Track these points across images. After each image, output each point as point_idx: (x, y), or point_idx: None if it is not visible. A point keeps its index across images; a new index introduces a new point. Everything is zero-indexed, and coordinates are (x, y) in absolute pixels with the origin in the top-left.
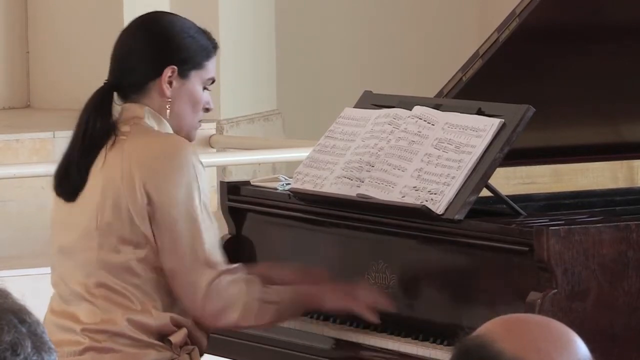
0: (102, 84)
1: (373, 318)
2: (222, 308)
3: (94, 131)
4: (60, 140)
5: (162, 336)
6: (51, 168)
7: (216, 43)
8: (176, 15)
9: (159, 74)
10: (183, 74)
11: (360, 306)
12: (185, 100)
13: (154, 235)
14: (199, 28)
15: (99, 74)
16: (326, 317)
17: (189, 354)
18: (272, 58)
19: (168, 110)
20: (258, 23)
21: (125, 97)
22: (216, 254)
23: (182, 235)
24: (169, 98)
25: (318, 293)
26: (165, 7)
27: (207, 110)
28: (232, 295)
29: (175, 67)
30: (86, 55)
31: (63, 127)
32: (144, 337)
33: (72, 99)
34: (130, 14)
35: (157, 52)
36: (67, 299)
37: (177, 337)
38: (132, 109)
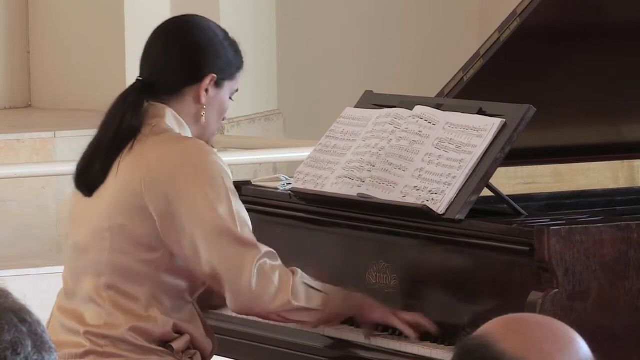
0: (135, 81)
1: (411, 333)
2: (273, 290)
3: (130, 129)
4: (61, 140)
5: (164, 342)
6: (52, 168)
7: (242, 55)
8: (213, 22)
9: (199, 80)
10: (219, 83)
11: (402, 323)
12: (216, 109)
13: (177, 242)
14: (232, 38)
15: (99, 74)
16: None
17: (191, 358)
18: (273, 58)
19: (203, 117)
20: (259, 23)
21: (156, 97)
22: (253, 237)
23: (218, 231)
24: (204, 105)
25: (368, 302)
26: (166, 6)
27: (223, 119)
28: (280, 276)
29: (215, 76)
30: (87, 55)
31: (64, 127)
32: (146, 344)
33: (73, 98)
34: (131, 14)
35: (200, 58)
36: (75, 296)
37: (178, 344)
38: (156, 108)
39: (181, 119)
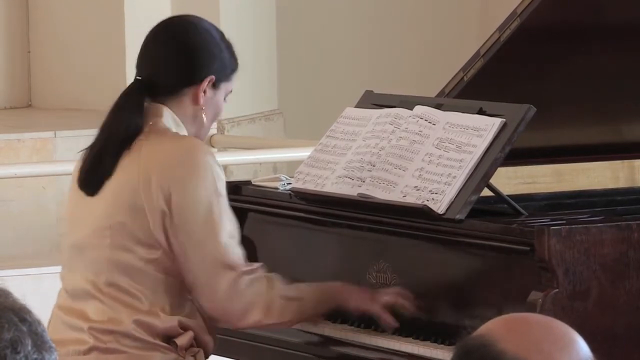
0: (134, 80)
1: (390, 322)
2: (244, 308)
3: (136, 128)
4: (61, 140)
5: (168, 338)
6: (52, 168)
7: (237, 57)
8: (210, 22)
9: (199, 81)
10: (216, 85)
11: (379, 309)
12: (212, 110)
13: (167, 240)
14: (228, 40)
15: (99, 74)
16: (326, 317)
17: (193, 356)
18: (273, 58)
19: (201, 118)
20: (259, 22)
21: (153, 97)
22: (235, 255)
23: (201, 239)
24: (202, 106)
25: (343, 291)
26: (166, 6)
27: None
28: (253, 294)
29: (214, 77)
30: (87, 55)
31: (64, 126)
32: (150, 339)
33: (73, 98)
34: (131, 13)
35: (199, 60)
36: (76, 295)
37: (182, 340)
38: (155, 108)
39: (178, 119)
